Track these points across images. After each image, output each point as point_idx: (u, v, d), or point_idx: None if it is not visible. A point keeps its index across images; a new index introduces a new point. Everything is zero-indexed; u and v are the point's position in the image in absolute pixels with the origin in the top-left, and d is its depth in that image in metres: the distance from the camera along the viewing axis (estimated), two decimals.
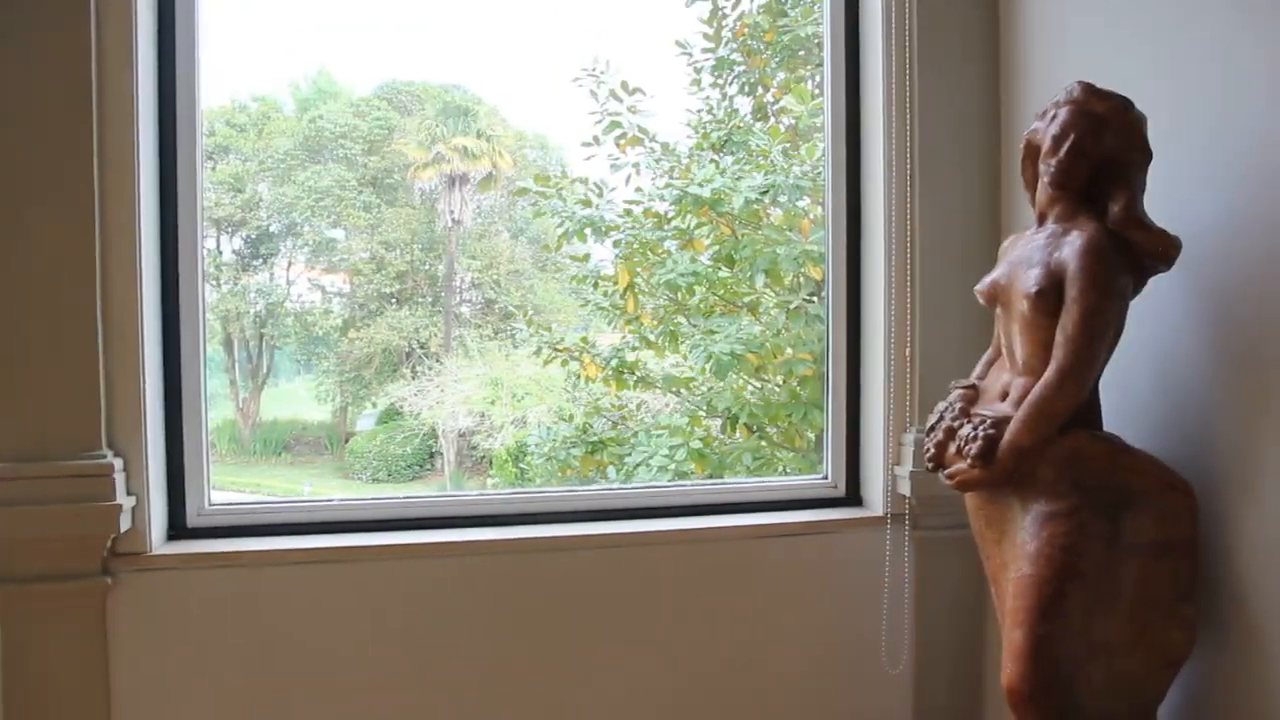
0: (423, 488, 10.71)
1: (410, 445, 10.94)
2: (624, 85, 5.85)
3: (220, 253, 11.50)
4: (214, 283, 11.29)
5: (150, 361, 2.31)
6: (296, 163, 11.51)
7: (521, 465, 8.01)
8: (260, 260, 11.74)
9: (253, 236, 11.63)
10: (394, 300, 11.76)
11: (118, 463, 2.21)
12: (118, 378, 2.23)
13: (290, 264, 11.94)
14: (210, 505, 2.48)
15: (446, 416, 10.11)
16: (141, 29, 2.25)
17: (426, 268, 11.94)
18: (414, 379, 10.82)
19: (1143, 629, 1.92)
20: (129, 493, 2.25)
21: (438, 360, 11.06)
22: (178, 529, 2.43)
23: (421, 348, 11.53)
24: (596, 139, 5.90)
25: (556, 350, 5.86)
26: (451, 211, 11.83)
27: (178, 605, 2.31)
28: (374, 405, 11.84)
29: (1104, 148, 1.90)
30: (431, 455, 11.04)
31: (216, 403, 11.85)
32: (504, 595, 2.49)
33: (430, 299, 11.89)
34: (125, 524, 2.23)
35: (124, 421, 2.24)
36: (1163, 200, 1.95)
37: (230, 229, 11.53)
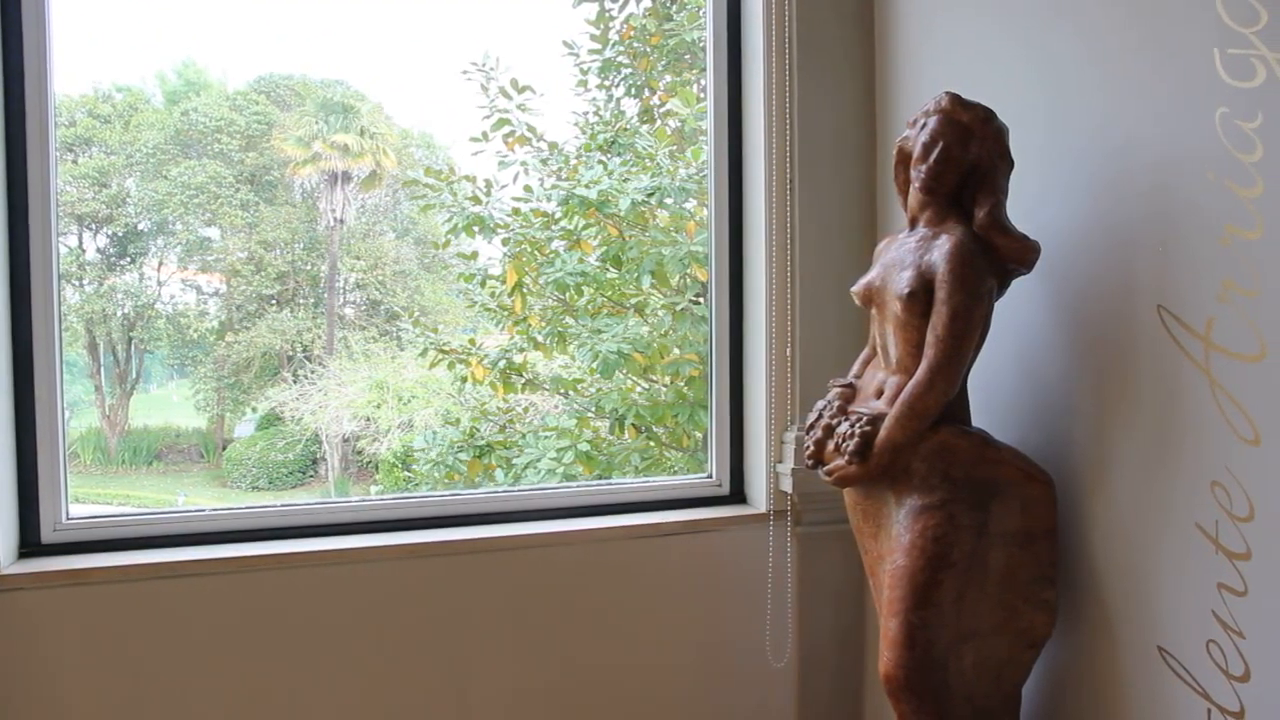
0: (306, 495, 10.39)
1: (292, 451, 10.58)
2: (513, 83, 5.81)
3: (83, 251, 10.88)
4: (76, 283, 10.67)
5: None
6: (167, 157, 10.99)
7: (408, 470, 7.85)
8: (128, 259, 11.16)
9: (120, 234, 11.04)
10: (274, 302, 11.36)
11: None
12: None
13: (161, 263, 11.39)
14: (68, 519, 2.33)
15: (330, 421, 9.82)
16: None
17: (308, 268, 11.59)
18: (296, 383, 10.47)
19: (1009, 613, 2.01)
20: None
21: (320, 363, 10.73)
22: (30, 546, 2.27)
23: (303, 350, 11.18)
24: (485, 135, 5.85)
25: (443, 352, 5.77)
26: (334, 210, 11.51)
27: (29, 628, 2.16)
28: (253, 411, 11.41)
29: (970, 155, 1.98)
30: (315, 461, 10.72)
31: (80, 410, 11.20)
32: (387, 602, 2.42)
33: (312, 300, 11.54)
34: None
35: None
36: (1025, 206, 2.05)
37: (94, 226, 10.92)
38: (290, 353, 11.24)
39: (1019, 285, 2.06)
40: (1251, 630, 1.66)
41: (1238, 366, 1.66)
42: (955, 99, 1.99)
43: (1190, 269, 1.75)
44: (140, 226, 11.16)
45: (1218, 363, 1.70)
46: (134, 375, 11.63)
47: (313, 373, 10.50)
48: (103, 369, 11.44)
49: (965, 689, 1.99)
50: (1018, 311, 2.16)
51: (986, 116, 1.98)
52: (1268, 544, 1.62)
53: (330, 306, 11.44)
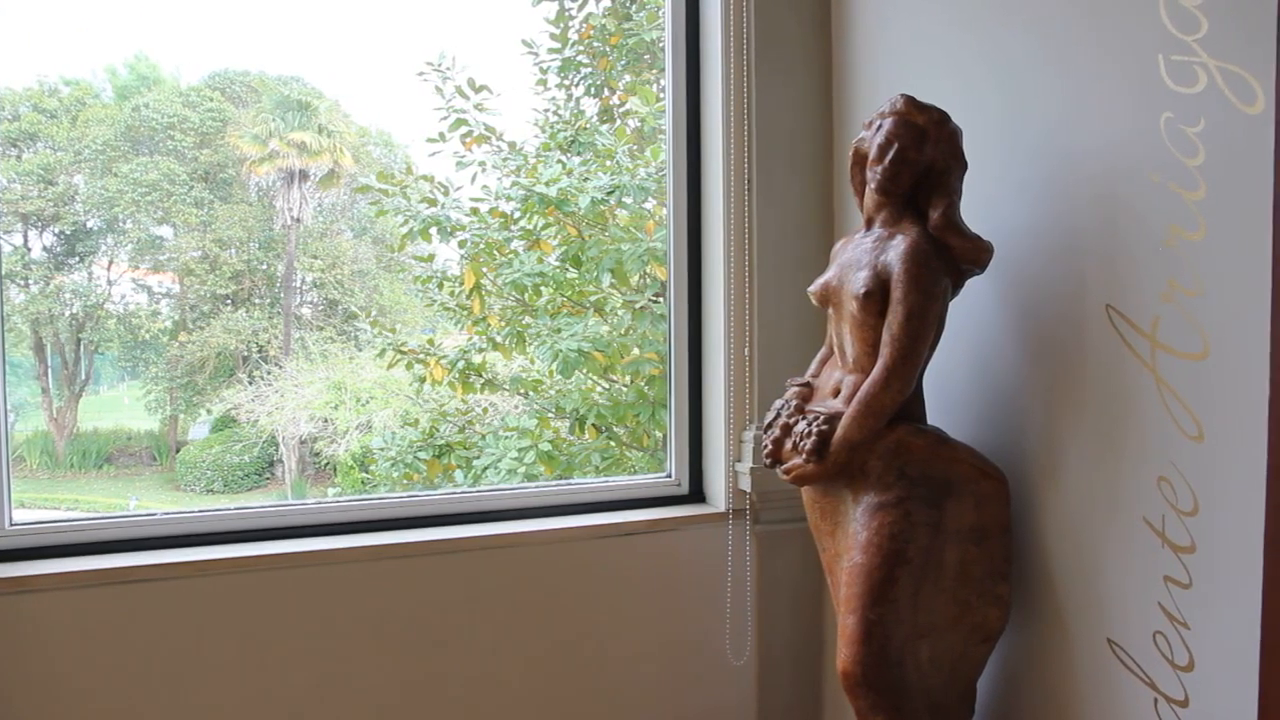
0: (263, 498, 10.26)
1: (248, 454, 10.44)
2: (470, 82, 5.77)
3: (28, 250, 10.63)
4: (21, 282, 10.42)
5: None
6: (118, 154, 10.78)
7: (367, 472, 7.78)
8: (76, 259, 10.92)
9: (67, 233, 10.81)
10: (229, 302, 11.20)
11: None
12: None
13: (111, 263, 11.18)
14: (12, 525, 2.27)
15: (287, 423, 9.70)
16: None
17: (264, 267, 11.44)
18: (252, 384, 10.33)
19: (963, 608, 2.03)
20: None
21: (277, 364, 10.60)
22: None
23: (259, 351, 11.03)
24: (442, 135, 5.81)
25: (401, 352, 5.72)
26: (290, 209, 11.37)
27: None
28: (208, 412, 11.24)
29: (925, 157, 2.00)
30: (271, 464, 10.59)
31: (25, 413, 10.94)
32: (346, 605, 2.40)
33: (268, 300, 11.39)
34: None
35: None
36: (981, 207, 2.08)
37: (40, 224, 10.67)
38: (246, 353, 11.09)
39: (973, 285, 2.09)
40: (1196, 621, 1.70)
41: (1182, 364, 1.70)
42: (910, 101, 2.02)
43: (1137, 269, 1.79)
44: (89, 225, 10.94)
45: (1163, 361, 1.74)
46: (83, 377, 11.40)
47: (269, 373, 10.37)
48: (50, 370, 11.19)
49: (921, 684, 2.02)
50: (972, 311, 2.19)
51: (941, 119, 2.00)
52: (1211, 537, 1.66)
53: (287, 306, 11.30)
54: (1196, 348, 1.67)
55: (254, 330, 11.05)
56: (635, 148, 5.63)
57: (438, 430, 5.77)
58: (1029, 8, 2.05)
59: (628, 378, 5.50)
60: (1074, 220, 1.94)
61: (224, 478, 10.54)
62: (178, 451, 11.23)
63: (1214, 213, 1.64)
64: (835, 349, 2.13)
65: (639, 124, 5.93)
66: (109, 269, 11.20)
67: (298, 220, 11.43)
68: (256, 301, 11.36)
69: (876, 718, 1.95)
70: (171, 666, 2.25)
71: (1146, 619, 1.79)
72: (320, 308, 11.52)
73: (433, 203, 5.64)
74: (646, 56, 5.96)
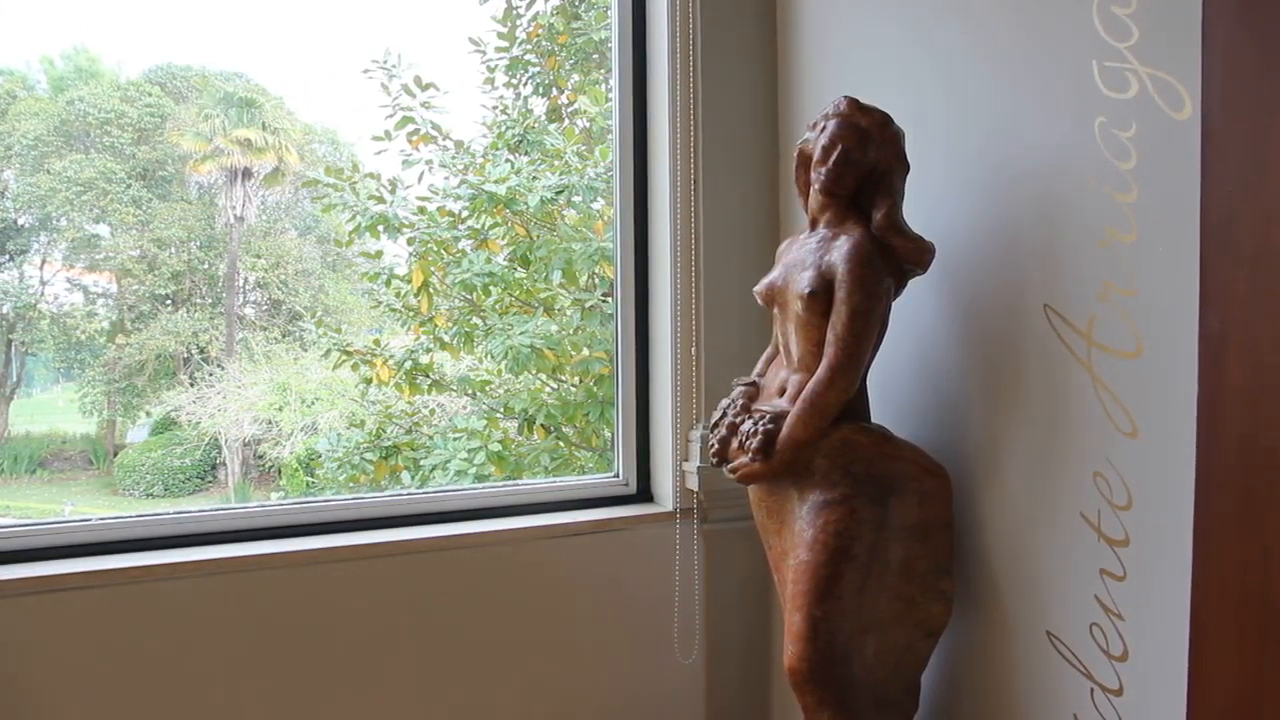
0: (205, 502, 10.03)
1: (190, 457, 10.21)
2: (417, 80, 5.71)
3: None
4: None
5: None
6: (51, 149, 10.46)
7: (312, 475, 7.66)
8: (6, 257, 10.59)
9: None
10: (169, 302, 10.94)
11: None
12: None
13: (45, 261, 10.85)
14: None
15: (230, 425, 9.50)
16: None
17: (206, 267, 11.19)
18: (193, 386, 10.10)
19: (908, 604, 2.06)
20: None
21: (219, 365, 10.38)
22: None
23: (201, 352, 10.80)
24: (388, 133, 5.74)
25: (347, 354, 5.64)
26: (233, 207, 11.15)
27: None
28: (148, 415, 10.96)
29: (869, 158, 2.02)
30: (214, 467, 10.37)
31: None
32: (290, 609, 2.35)
33: (210, 300, 11.15)
34: None
35: None
36: (925, 208, 2.12)
37: None
38: (187, 355, 10.85)
39: (916, 285, 2.12)
40: (1130, 612, 1.75)
41: (1117, 363, 1.75)
42: (854, 103, 2.04)
43: (1074, 270, 1.83)
44: (20, 222, 10.61)
45: (1099, 359, 1.78)
46: (14, 379, 11.04)
47: (211, 375, 10.15)
48: None
49: (867, 678, 2.04)
50: (915, 311, 2.23)
51: (884, 120, 2.03)
52: (1144, 531, 1.71)
53: (229, 307, 11.08)
54: (1130, 346, 1.72)
55: (195, 331, 10.82)
56: (584, 147, 5.62)
57: (385, 431, 5.71)
58: (971, 11, 2.09)
59: (576, 377, 5.49)
60: (1014, 221, 1.98)
61: (164, 481, 10.29)
62: (116, 455, 10.94)
63: (1145, 215, 1.68)
64: (781, 348, 2.15)
65: (588, 124, 5.92)
66: (42, 268, 10.88)
67: (241, 219, 11.21)
68: (198, 302, 11.13)
69: (823, 713, 1.97)
70: (108, 677, 2.19)
71: (1083, 611, 1.84)
72: (264, 308, 11.31)
73: (380, 199, 5.57)
74: (595, 56, 5.95)
